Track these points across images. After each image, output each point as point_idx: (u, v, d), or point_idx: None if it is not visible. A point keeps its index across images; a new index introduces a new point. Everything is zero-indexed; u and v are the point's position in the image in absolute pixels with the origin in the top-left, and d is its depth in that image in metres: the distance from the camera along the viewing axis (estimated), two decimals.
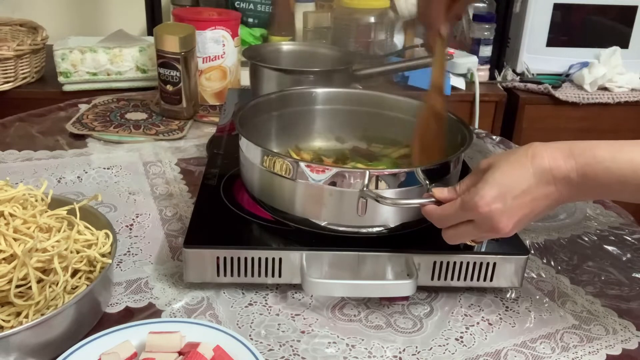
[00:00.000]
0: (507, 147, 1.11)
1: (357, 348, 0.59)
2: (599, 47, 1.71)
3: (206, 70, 1.20)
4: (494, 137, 1.14)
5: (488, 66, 1.71)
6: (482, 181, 0.56)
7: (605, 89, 1.67)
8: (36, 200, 0.61)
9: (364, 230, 0.64)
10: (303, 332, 0.60)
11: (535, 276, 0.71)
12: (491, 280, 0.65)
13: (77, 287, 0.58)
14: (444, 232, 0.59)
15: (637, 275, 0.73)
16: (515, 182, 0.54)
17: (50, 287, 0.56)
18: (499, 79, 1.71)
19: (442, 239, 0.60)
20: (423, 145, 0.74)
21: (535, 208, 0.55)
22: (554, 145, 0.55)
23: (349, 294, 0.64)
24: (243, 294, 0.65)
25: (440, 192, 0.59)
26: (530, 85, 1.65)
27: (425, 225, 0.67)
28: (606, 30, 1.74)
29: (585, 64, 1.69)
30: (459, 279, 0.64)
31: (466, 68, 1.64)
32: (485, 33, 1.68)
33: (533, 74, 1.72)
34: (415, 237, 0.65)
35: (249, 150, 0.67)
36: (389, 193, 0.62)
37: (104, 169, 0.93)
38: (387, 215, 0.63)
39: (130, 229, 0.77)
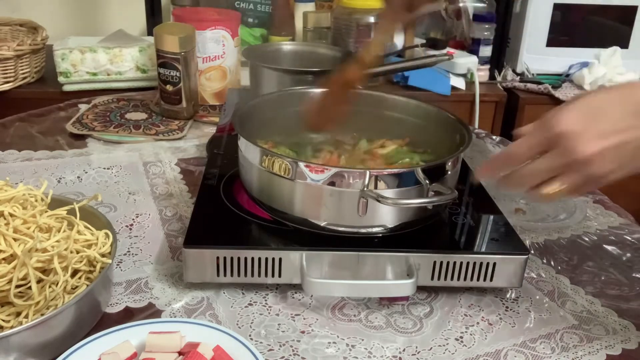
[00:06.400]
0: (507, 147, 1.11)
1: (357, 348, 0.59)
2: (599, 47, 1.71)
3: (206, 70, 1.20)
4: (494, 137, 1.14)
5: (488, 66, 1.71)
6: (563, 105, 0.50)
7: None
8: (36, 200, 0.61)
9: (363, 230, 0.64)
10: (303, 332, 0.61)
11: (535, 276, 0.71)
12: (491, 280, 0.65)
13: (77, 287, 0.58)
14: (517, 173, 0.52)
15: (637, 275, 0.73)
16: (606, 106, 0.48)
17: (50, 287, 0.56)
18: (499, 79, 1.71)
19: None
20: (322, 107, 0.73)
21: (633, 138, 0.47)
22: None
23: (349, 294, 0.64)
24: (243, 294, 0.65)
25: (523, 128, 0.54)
26: (530, 85, 1.65)
27: (425, 225, 0.67)
28: (606, 30, 1.74)
29: (585, 64, 1.69)
30: (459, 279, 0.64)
31: (466, 68, 1.64)
32: (485, 33, 1.68)
33: (533, 74, 1.72)
34: (415, 237, 0.65)
35: (248, 151, 0.67)
36: (389, 193, 0.62)
37: (104, 169, 0.93)
38: (387, 215, 0.63)
39: (130, 229, 0.77)
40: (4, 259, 0.54)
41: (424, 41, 1.66)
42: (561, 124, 0.48)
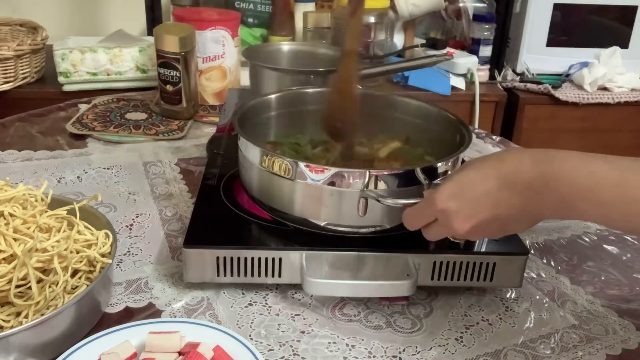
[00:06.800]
0: (507, 147, 1.11)
1: (357, 348, 0.59)
2: (599, 47, 1.71)
3: (206, 70, 1.20)
4: (494, 137, 1.14)
5: (488, 66, 1.71)
6: (448, 178, 0.55)
7: (605, 89, 1.68)
8: (36, 200, 0.61)
9: (363, 230, 0.64)
10: (303, 332, 0.61)
11: (535, 276, 0.71)
12: (491, 280, 0.65)
13: (77, 287, 0.58)
14: (422, 230, 0.59)
15: (637, 275, 0.73)
16: (476, 182, 0.52)
17: (50, 287, 0.56)
18: (499, 79, 1.71)
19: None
20: (336, 111, 0.74)
21: (497, 215, 0.52)
22: (527, 151, 0.52)
23: (349, 294, 0.64)
24: (243, 294, 0.65)
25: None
26: (530, 85, 1.65)
27: None
28: (606, 30, 1.74)
29: (585, 64, 1.69)
30: (459, 279, 0.64)
31: (466, 68, 1.64)
32: (485, 33, 1.68)
33: (533, 74, 1.72)
34: (415, 237, 0.65)
35: (248, 151, 0.67)
36: (389, 193, 0.62)
37: (104, 169, 0.93)
38: (387, 215, 0.63)
39: (130, 229, 0.77)
40: (4, 259, 0.54)
41: (424, 41, 1.66)
42: (439, 203, 0.54)
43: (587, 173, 0.47)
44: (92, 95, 1.26)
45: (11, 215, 0.57)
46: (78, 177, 0.90)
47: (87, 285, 0.57)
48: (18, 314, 0.54)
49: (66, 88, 1.39)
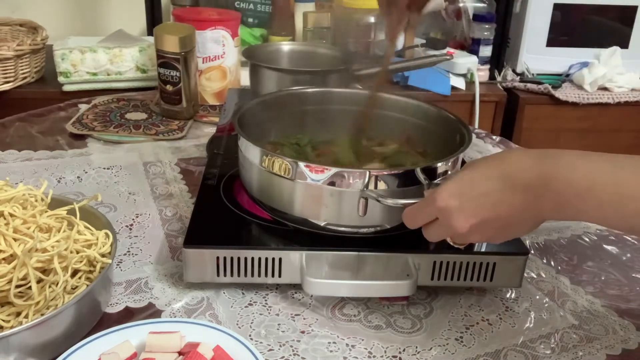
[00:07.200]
0: (507, 147, 1.11)
1: (357, 348, 0.59)
2: (599, 47, 1.71)
3: (206, 70, 1.20)
4: (494, 137, 1.14)
5: (488, 66, 1.71)
6: (449, 178, 0.55)
7: (605, 89, 1.68)
8: (36, 200, 0.61)
9: (363, 230, 0.64)
10: (303, 332, 0.61)
11: (535, 276, 0.71)
12: (491, 280, 0.64)
13: (77, 287, 0.58)
14: (422, 230, 0.58)
15: (637, 275, 0.73)
16: (477, 182, 0.52)
17: (50, 287, 0.56)
18: (499, 79, 1.71)
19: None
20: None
21: (498, 215, 0.51)
22: (528, 151, 0.51)
23: (349, 294, 0.64)
24: (243, 294, 0.65)
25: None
26: (530, 85, 1.66)
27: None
28: (606, 30, 1.74)
29: (585, 64, 1.69)
30: (459, 279, 0.64)
31: (466, 68, 1.64)
32: (485, 33, 1.68)
33: (533, 74, 1.72)
34: (415, 237, 0.65)
35: (248, 151, 0.67)
36: (389, 193, 0.62)
37: (104, 169, 0.93)
38: (387, 215, 0.63)
39: (130, 229, 0.77)
40: (4, 259, 0.54)
41: (424, 41, 1.67)
42: (439, 201, 0.53)
43: (585, 172, 0.47)
44: (92, 95, 1.26)
45: (11, 215, 0.57)
46: (78, 177, 0.90)
47: (87, 285, 0.57)
48: (18, 314, 0.54)
49: (66, 88, 1.39)
